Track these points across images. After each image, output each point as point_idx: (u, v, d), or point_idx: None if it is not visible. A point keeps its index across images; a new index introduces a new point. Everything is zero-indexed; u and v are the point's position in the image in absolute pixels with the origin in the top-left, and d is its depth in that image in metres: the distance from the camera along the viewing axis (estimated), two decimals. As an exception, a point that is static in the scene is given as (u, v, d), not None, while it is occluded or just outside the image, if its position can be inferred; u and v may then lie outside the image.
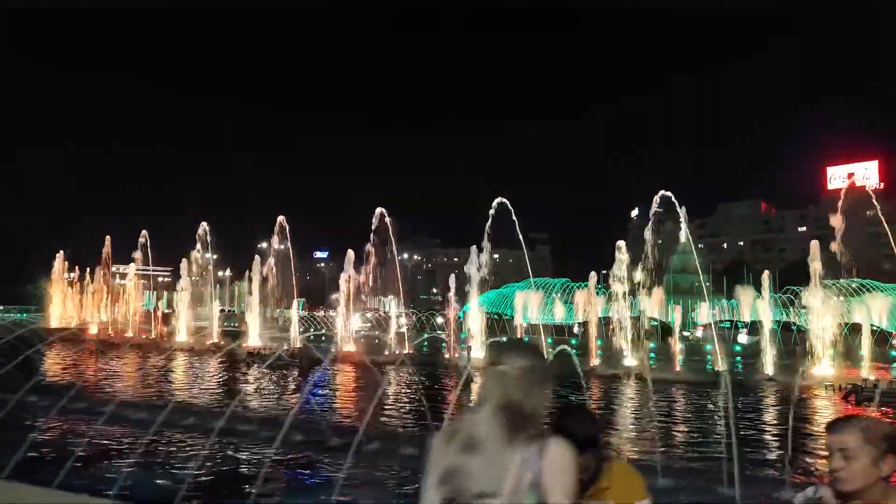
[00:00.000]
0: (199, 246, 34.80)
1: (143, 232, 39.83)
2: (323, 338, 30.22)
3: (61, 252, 60.75)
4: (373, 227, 30.07)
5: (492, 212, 32.92)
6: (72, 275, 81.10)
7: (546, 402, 2.26)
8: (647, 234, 35.51)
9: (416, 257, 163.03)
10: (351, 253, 28.84)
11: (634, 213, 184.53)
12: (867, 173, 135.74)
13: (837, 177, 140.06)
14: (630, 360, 22.97)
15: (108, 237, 48.13)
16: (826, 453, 2.57)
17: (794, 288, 45.96)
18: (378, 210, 30.45)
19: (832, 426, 2.60)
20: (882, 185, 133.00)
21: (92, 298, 50.85)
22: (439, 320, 54.58)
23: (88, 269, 68.99)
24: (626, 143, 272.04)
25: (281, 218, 33.35)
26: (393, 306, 31.39)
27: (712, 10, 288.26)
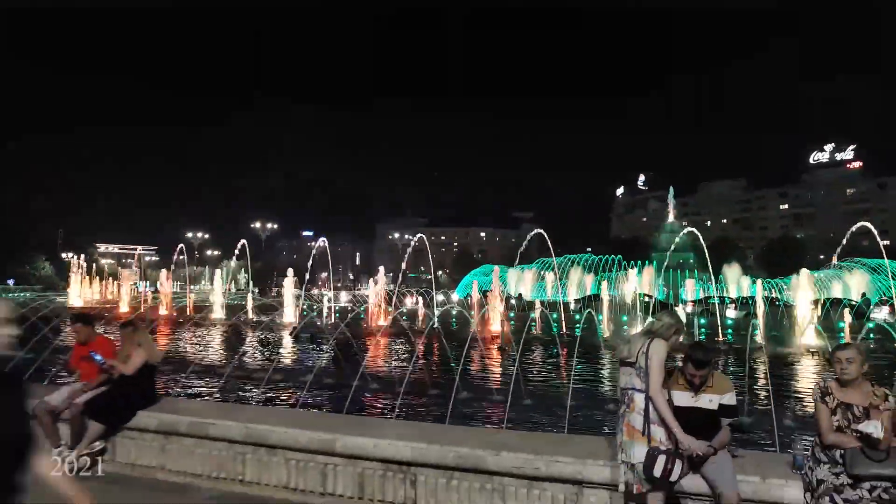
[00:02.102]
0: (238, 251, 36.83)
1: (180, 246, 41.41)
2: (338, 314, 32.25)
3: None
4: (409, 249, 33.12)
5: (530, 236, 36.11)
6: (71, 255, 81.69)
7: (668, 333, 4.78)
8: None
9: (406, 236, 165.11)
10: (382, 272, 31.30)
11: (619, 191, 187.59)
12: (847, 153, 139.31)
13: (818, 156, 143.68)
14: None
15: (139, 247, 49.38)
16: (836, 361, 4.71)
17: (782, 280, 48.79)
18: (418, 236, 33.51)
19: (840, 347, 4.79)
20: (860, 164, 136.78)
21: (114, 279, 52.46)
22: (440, 298, 56.80)
23: (84, 253, 70.37)
24: (623, 138, 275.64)
25: (323, 242, 35.71)
26: (436, 292, 34.08)
27: (712, 11, 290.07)
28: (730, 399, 5.01)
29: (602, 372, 17.06)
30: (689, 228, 41.69)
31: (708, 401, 4.97)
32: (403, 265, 34.92)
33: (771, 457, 5.50)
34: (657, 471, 4.38)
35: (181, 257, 47.28)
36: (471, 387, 12.71)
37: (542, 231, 34.24)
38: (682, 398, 4.96)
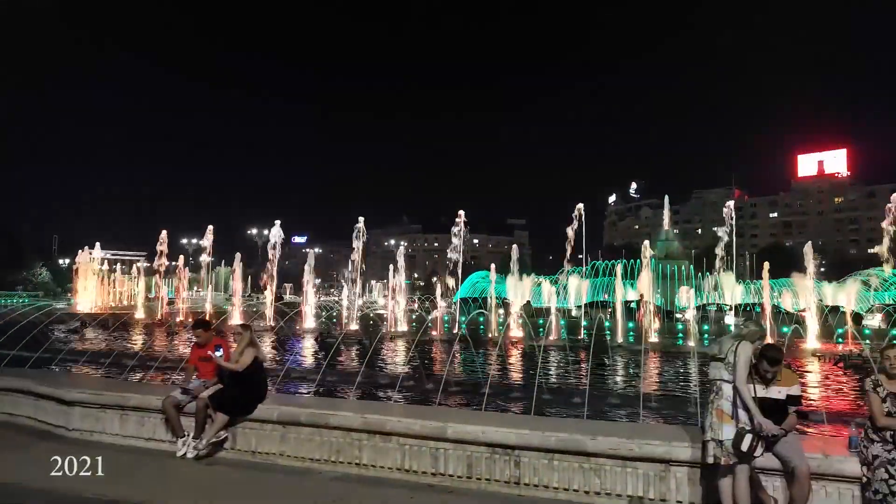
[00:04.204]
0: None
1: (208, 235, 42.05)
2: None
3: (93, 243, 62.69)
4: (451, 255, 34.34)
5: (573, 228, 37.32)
6: (69, 261, 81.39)
7: (754, 337, 5.66)
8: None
9: (403, 243, 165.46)
10: (402, 278, 32.08)
11: (612, 198, 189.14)
12: (836, 162, 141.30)
13: (807, 165, 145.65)
14: (653, 338, 26.24)
15: (164, 232, 49.67)
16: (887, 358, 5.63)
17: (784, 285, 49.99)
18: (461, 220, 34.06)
19: (890, 346, 5.72)
20: (849, 173, 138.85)
21: (118, 284, 53.11)
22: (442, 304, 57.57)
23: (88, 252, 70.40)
24: (604, 132, 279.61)
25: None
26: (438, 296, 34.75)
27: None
28: (796, 390, 5.93)
29: (615, 374, 17.96)
30: (730, 218, 43.04)
31: (777, 392, 5.89)
32: (452, 275, 36.57)
33: (828, 439, 6.41)
34: (744, 446, 5.33)
35: (174, 263, 47.85)
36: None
37: (581, 213, 35.34)
38: (756, 389, 5.87)
